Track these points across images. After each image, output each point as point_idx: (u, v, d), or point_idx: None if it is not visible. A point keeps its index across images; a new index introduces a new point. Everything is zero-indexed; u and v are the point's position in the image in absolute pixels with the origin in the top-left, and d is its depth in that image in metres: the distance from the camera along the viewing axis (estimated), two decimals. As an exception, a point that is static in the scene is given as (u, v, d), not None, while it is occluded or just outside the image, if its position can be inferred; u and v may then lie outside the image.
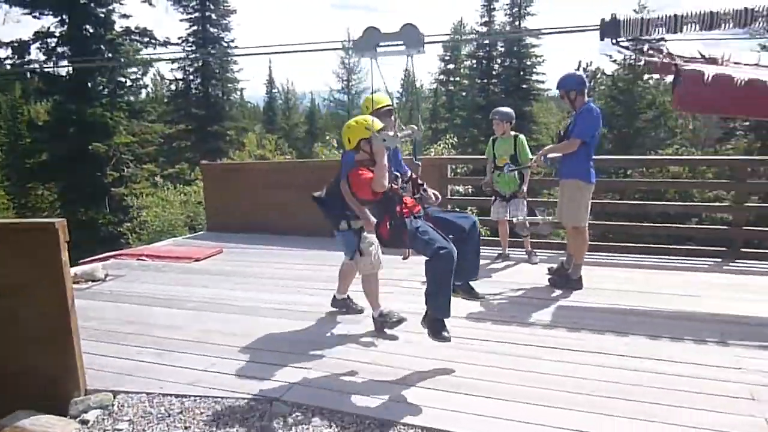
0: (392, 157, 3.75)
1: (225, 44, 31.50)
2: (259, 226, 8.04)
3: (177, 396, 3.50)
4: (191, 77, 32.00)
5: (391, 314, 4.34)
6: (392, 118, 4.16)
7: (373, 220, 3.81)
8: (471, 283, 3.84)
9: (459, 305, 4.77)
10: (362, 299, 4.59)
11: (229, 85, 33.32)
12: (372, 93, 4.06)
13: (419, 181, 3.83)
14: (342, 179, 3.94)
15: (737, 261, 6.11)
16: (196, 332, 4.53)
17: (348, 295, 4.82)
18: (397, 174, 3.74)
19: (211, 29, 31.32)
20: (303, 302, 5.17)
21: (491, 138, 6.10)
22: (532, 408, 3.19)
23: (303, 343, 4.22)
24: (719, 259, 6.19)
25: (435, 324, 3.56)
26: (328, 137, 17.00)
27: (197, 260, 6.87)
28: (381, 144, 3.44)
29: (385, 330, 4.31)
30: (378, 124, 3.74)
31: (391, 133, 3.50)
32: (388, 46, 3.42)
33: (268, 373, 3.76)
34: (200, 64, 31.10)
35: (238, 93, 37.27)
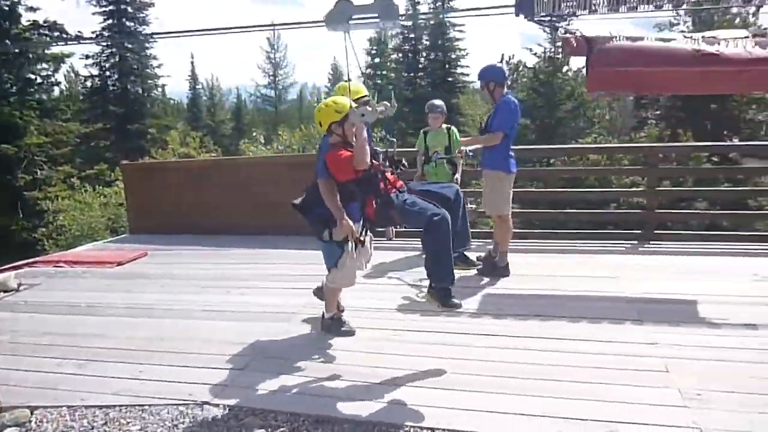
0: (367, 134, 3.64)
1: (143, 39, 30.28)
2: (186, 226, 7.79)
3: (101, 407, 3.35)
4: (108, 73, 30.65)
5: (345, 324, 4.22)
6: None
7: (350, 223, 3.63)
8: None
9: (387, 297, 4.84)
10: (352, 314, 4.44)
11: (150, 81, 32.15)
12: (348, 80, 3.69)
13: (395, 157, 3.76)
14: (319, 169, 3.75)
15: (651, 243, 6.47)
16: (120, 340, 4.34)
17: (341, 316, 4.28)
18: (377, 149, 3.66)
19: (128, 23, 30.02)
20: (234, 302, 5.07)
21: (422, 131, 6.15)
22: (464, 394, 3.26)
23: (234, 344, 4.13)
24: (635, 242, 6.53)
25: (442, 293, 3.52)
26: (254, 133, 16.70)
27: (120, 264, 6.58)
28: (359, 119, 3.31)
29: (328, 333, 4.20)
30: (347, 103, 3.55)
31: (369, 108, 3.36)
32: (362, 19, 3.30)
33: (199, 376, 3.66)
34: (117, 59, 29.80)
35: (160, 89, 35.98)
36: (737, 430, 2.84)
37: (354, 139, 3.45)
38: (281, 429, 3.06)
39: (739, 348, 3.73)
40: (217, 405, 3.30)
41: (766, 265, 5.46)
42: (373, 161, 3.53)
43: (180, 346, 4.17)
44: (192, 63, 45.62)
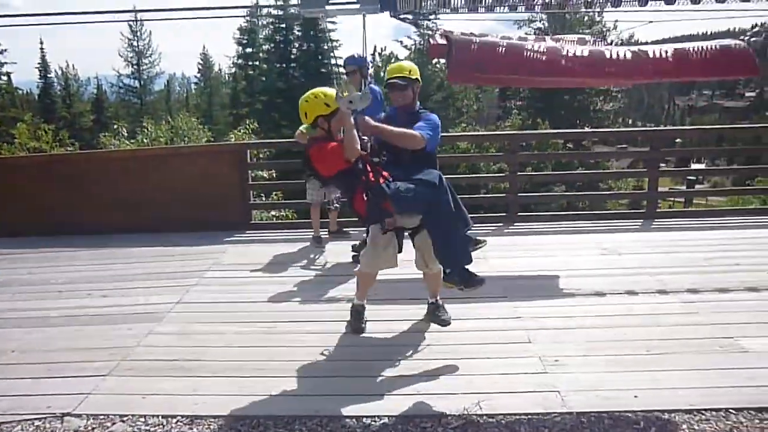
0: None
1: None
2: (39, 227, 7.11)
3: (-62, 432, 2.99)
4: (-63, 59, 27.14)
5: (362, 320, 3.97)
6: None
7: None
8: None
9: (245, 290, 4.77)
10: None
11: (-10, 68, 28.91)
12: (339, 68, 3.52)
13: (374, 146, 3.61)
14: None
15: (515, 224, 6.91)
16: (-38, 355, 3.89)
17: (360, 309, 3.99)
18: (365, 138, 3.47)
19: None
20: (95, 305, 4.70)
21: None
22: (325, 380, 3.29)
23: (98, 349, 3.85)
24: (501, 224, 6.93)
25: (463, 274, 3.43)
26: (116, 126, 15.62)
27: (-40, 273, 5.87)
28: (348, 106, 3.16)
29: (349, 322, 3.96)
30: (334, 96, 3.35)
31: (358, 94, 3.19)
32: (340, 3, 3.13)
33: (57, 386, 3.38)
34: (-51, 43, 26.47)
35: (4, 77, 32.48)
36: (589, 389, 3.13)
37: (341, 131, 3.29)
38: (152, 433, 2.92)
39: (590, 315, 4.12)
40: (79, 415, 3.06)
41: (612, 239, 6.03)
42: (363, 151, 3.40)
43: (36, 356, 3.81)
44: (41, 49, 41.30)
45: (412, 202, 3.34)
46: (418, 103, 3.87)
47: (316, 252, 5.95)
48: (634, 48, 3.53)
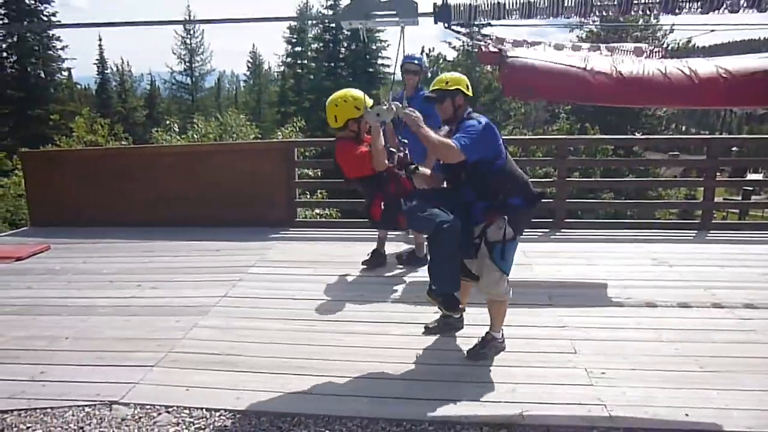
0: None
1: (45, 18, 28.25)
2: (94, 218, 7.36)
3: (-5, 413, 3.11)
4: (5, 54, 28.38)
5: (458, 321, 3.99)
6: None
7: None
8: None
9: (289, 287, 4.81)
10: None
11: (53, 64, 30.08)
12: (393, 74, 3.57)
13: (407, 159, 3.61)
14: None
15: (562, 231, 6.76)
16: (17, 339, 4.04)
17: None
18: (393, 150, 3.51)
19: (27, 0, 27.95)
20: (145, 297, 4.84)
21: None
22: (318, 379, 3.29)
23: (145, 340, 3.96)
24: (547, 230, 6.80)
25: (443, 297, 3.39)
26: (168, 122, 16.04)
27: (19, 259, 6.13)
28: (375, 119, 3.20)
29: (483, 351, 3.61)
30: (363, 99, 3.44)
31: (384, 107, 3.23)
32: (379, 15, 3.19)
33: (106, 375, 3.48)
34: (15, 39, 27.65)
35: (65, 73, 33.77)
36: (638, 404, 3.02)
37: (371, 139, 3.32)
38: (196, 425, 2.97)
39: (639, 327, 3.99)
40: (126, 404, 3.15)
41: (664, 249, 5.84)
42: (389, 163, 3.42)
43: (86, 344, 3.94)
44: (100, 45, 42.80)
45: (424, 222, 3.30)
46: (469, 110, 3.51)
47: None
48: (693, 68, 3.35)
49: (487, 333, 3.60)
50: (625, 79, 3.32)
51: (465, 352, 3.62)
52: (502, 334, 3.61)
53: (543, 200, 3.43)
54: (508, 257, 3.39)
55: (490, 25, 3.43)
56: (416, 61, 5.19)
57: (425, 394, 3.19)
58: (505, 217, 3.29)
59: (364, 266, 5.39)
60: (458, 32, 3.62)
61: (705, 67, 3.32)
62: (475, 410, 3.01)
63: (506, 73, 3.22)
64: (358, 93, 3.46)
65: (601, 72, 3.32)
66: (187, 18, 37.29)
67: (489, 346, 3.58)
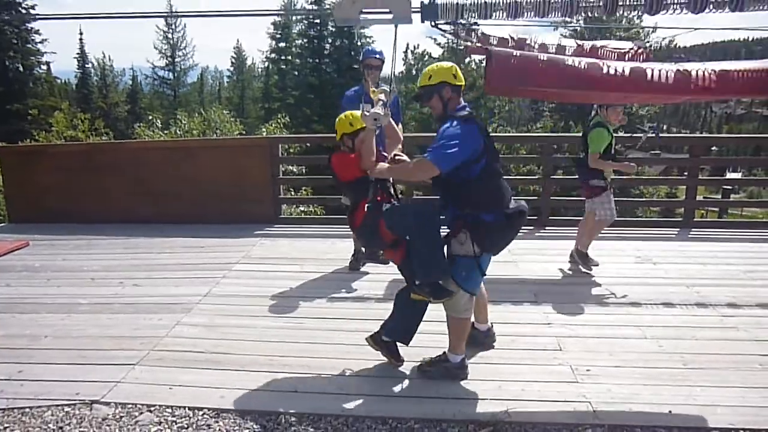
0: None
1: (23, 10, 27.73)
2: (75, 215, 7.24)
3: (-28, 413, 3.04)
4: (-20, 48, 27.88)
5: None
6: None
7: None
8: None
9: (273, 284, 4.77)
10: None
11: (31, 57, 29.56)
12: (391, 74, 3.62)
13: (397, 157, 3.57)
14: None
15: (546, 228, 6.79)
16: (-5, 338, 3.96)
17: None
18: (385, 154, 3.55)
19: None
20: (126, 294, 4.77)
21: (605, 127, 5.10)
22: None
23: (127, 338, 3.90)
24: (532, 227, 6.82)
25: (432, 286, 3.15)
26: (151, 117, 15.86)
27: (-4, 256, 6.01)
28: (373, 123, 3.25)
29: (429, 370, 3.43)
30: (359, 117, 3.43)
31: (380, 111, 3.24)
32: (373, 13, 3.17)
33: (87, 374, 3.43)
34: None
35: (44, 67, 33.18)
36: (622, 401, 3.04)
37: (364, 139, 3.36)
38: (179, 424, 2.92)
39: (624, 325, 4.01)
40: (107, 403, 3.10)
41: (647, 247, 5.88)
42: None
43: (67, 343, 3.87)
44: (81, 39, 42.08)
45: (400, 212, 3.28)
46: (461, 103, 3.25)
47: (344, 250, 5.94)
48: (677, 67, 3.37)
49: (444, 353, 3.38)
50: (613, 73, 3.30)
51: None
52: (463, 360, 3.34)
53: (526, 218, 3.28)
54: (472, 275, 3.20)
55: (476, 24, 3.43)
56: (377, 56, 5.15)
57: (411, 392, 3.19)
58: (467, 232, 3.14)
59: (350, 268, 5.36)
60: (444, 31, 3.61)
61: (693, 69, 3.32)
62: (461, 408, 3.01)
63: (493, 65, 3.20)
64: (357, 113, 3.52)
65: (589, 65, 3.30)
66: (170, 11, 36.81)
67: (439, 366, 3.35)
